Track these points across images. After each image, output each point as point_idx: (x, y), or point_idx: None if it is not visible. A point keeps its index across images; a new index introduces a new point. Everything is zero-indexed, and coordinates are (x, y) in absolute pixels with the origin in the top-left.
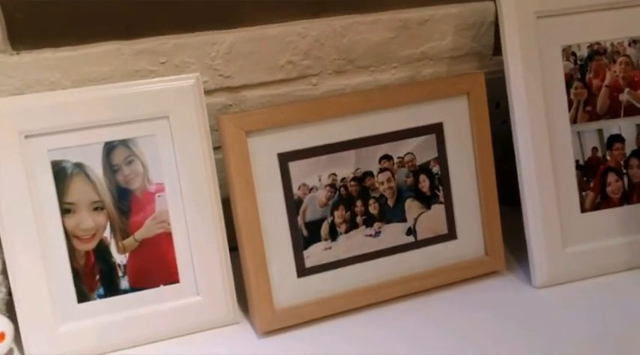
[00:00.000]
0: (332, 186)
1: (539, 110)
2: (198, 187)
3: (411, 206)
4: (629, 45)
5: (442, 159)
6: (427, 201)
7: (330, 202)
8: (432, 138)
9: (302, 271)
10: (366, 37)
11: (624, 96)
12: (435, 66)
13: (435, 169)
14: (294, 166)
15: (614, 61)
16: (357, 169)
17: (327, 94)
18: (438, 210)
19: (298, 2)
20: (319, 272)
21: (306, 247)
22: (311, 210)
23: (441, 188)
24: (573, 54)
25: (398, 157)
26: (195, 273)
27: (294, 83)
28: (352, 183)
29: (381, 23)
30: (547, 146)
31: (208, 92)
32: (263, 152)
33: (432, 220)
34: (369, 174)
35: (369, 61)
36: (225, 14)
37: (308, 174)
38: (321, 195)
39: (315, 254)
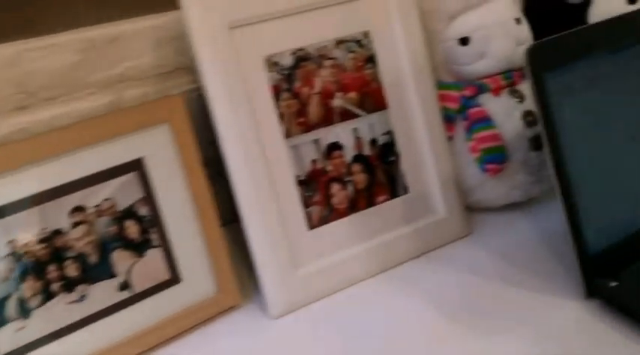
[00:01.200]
0: (13, 255)
1: (246, 128)
2: None
3: (120, 257)
4: (336, 46)
5: (149, 198)
6: (139, 248)
7: (14, 275)
8: (132, 177)
9: None
10: (44, 65)
11: (337, 102)
12: (140, 86)
13: (143, 211)
14: None
15: (322, 66)
16: (44, 229)
17: (6, 139)
18: (154, 254)
19: None
20: None
21: None
22: None
23: (153, 230)
24: (277, 64)
25: (94, 206)
26: None
27: None
28: (39, 246)
29: (60, 46)
30: (261, 165)
31: None
32: None
33: (148, 268)
34: (59, 232)
35: (58, 91)
36: None
37: None
38: (0, 268)
39: (4, 339)
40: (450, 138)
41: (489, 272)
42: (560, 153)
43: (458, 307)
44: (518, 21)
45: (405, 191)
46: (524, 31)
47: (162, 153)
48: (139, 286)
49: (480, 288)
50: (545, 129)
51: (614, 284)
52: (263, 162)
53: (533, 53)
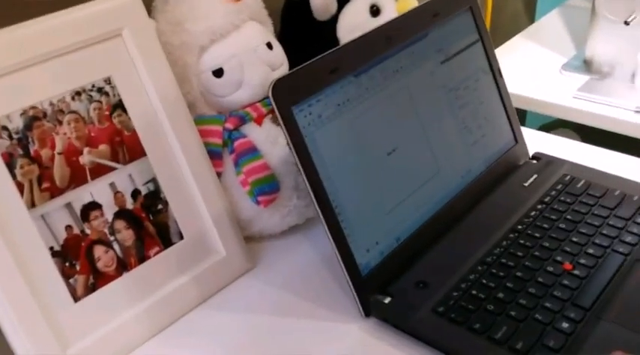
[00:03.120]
0: None
1: None
2: None
3: None
4: (73, 99)
5: None
6: None
7: None
8: None
9: None
10: None
11: (86, 159)
12: None
13: None
14: None
15: (61, 122)
16: None
17: None
18: None
19: None
20: None
21: None
22: None
23: None
24: (5, 128)
25: None
26: None
27: None
28: None
29: None
30: (3, 245)
31: None
32: None
33: None
34: None
35: None
36: None
37: None
38: None
39: None
40: (220, 174)
41: (275, 306)
42: (318, 181)
43: (246, 348)
44: (269, 46)
45: (180, 237)
46: (278, 55)
47: None
48: None
49: (266, 324)
50: (300, 162)
51: (387, 300)
52: (2, 242)
53: (278, 89)
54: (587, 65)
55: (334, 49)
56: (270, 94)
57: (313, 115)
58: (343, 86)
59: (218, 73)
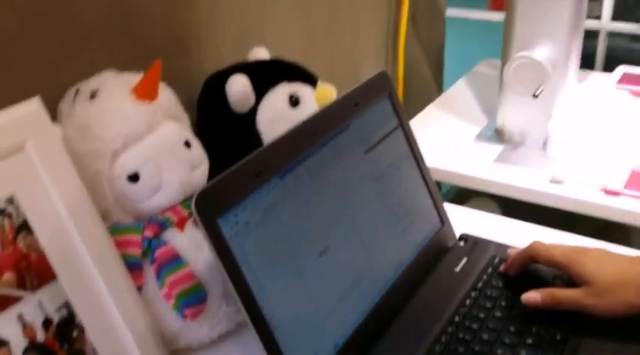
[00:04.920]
0: None
1: None
2: None
3: None
4: None
5: None
6: None
7: None
8: None
9: None
10: None
11: None
12: None
13: None
14: None
15: None
16: None
17: None
18: None
19: None
20: None
21: None
22: None
23: None
24: None
25: None
26: None
27: None
28: None
29: None
30: None
31: None
32: None
33: None
34: None
35: None
36: None
37: None
38: None
39: None
40: (140, 288)
41: None
42: (248, 293)
43: None
44: (187, 144)
45: None
46: (197, 153)
47: None
48: None
49: None
50: (228, 274)
51: None
52: None
53: (201, 202)
54: (499, 135)
55: (258, 151)
56: (193, 208)
57: (240, 224)
58: (269, 190)
59: (134, 177)
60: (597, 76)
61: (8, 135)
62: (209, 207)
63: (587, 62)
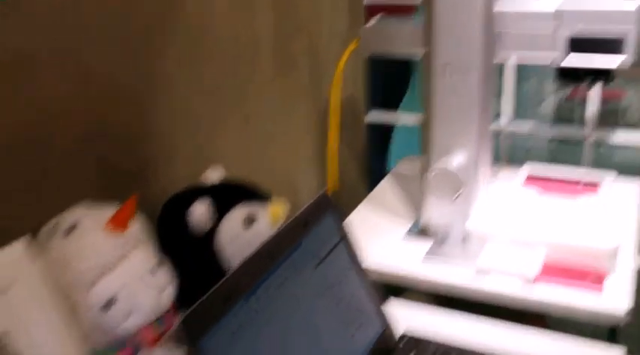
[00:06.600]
0: None
1: None
2: None
3: None
4: None
5: None
6: None
7: None
8: None
9: None
10: None
11: None
12: None
13: None
14: None
15: None
16: None
17: None
18: None
19: None
20: None
21: None
22: None
23: None
24: None
25: None
26: None
27: None
28: None
29: None
30: None
31: None
32: None
33: None
34: None
35: None
36: None
37: None
38: None
39: None
40: None
41: None
42: None
43: None
44: (155, 269)
45: None
46: (164, 277)
47: None
48: None
49: None
50: None
51: None
52: None
53: (177, 335)
54: (426, 231)
55: (224, 278)
56: (179, 333)
57: (217, 344)
58: (236, 313)
59: (107, 305)
60: (505, 172)
61: None
62: (185, 336)
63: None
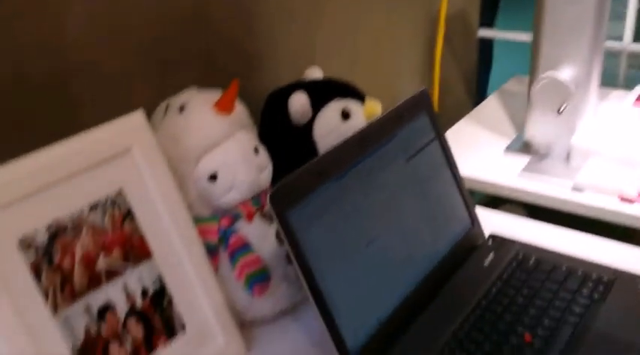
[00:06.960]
0: None
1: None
2: None
3: None
4: (90, 211)
5: None
6: None
7: None
8: None
9: None
10: None
11: (100, 265)
12: None
13: None
14: None
15: (80, 234)
16: None
17: None
18: None
19: None
20: None
21: None
22: None
23: None
24: (32, 244)
25: None
26: None
27: None
28: None
29: None
30: (30, 347)
31: None
32: None
33: None
34: None
35: None
36: None
37: None
38: None
39: None
40: (216, 268)
41: None
42: (310, 271)
43: None
44: (256, 150)
45: (183, 328)
46: (264, 159)
47: None
48: None
49: None
50: (295, 259)
51: None
52: (31, 345)
53: (274, 199)
54: (527, 147)
55: (318, 157)
56: (269, 204)
57: (305, 217)
58: (327, 189)
59: (212, 178)
60: (618, 94)
61: (118, 142)
62: (281, 202)
63: (611, 81)
